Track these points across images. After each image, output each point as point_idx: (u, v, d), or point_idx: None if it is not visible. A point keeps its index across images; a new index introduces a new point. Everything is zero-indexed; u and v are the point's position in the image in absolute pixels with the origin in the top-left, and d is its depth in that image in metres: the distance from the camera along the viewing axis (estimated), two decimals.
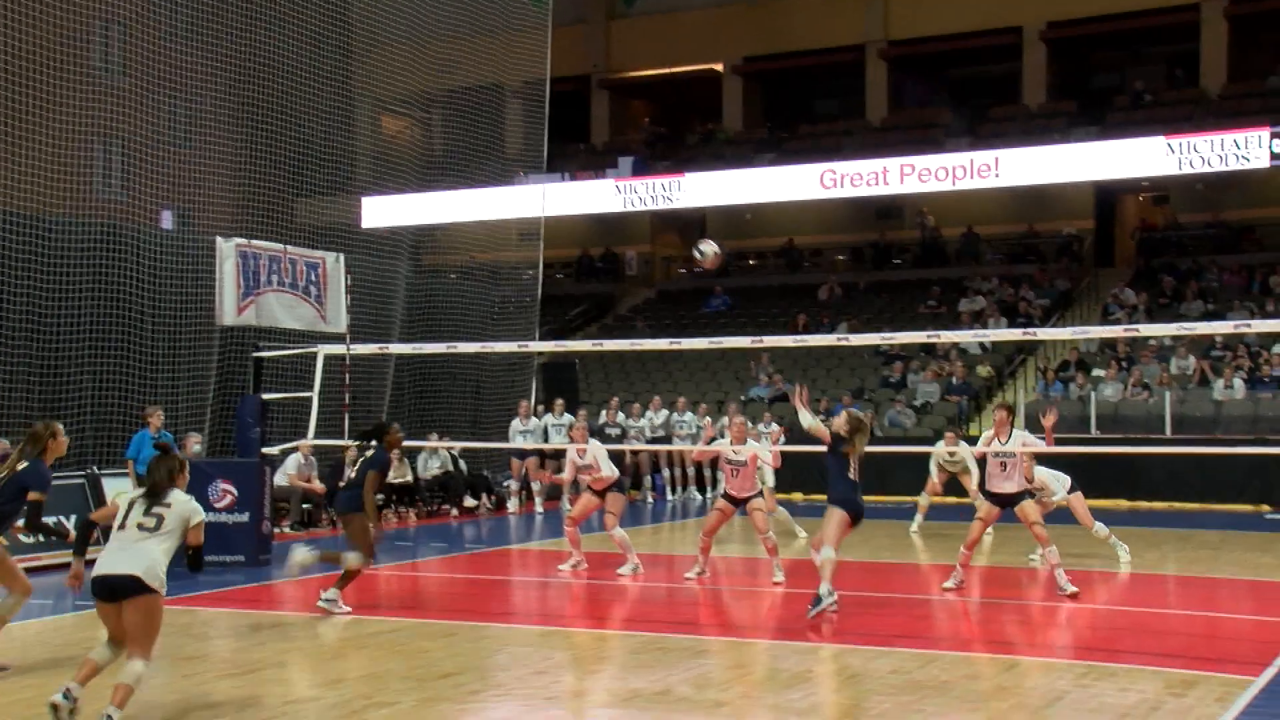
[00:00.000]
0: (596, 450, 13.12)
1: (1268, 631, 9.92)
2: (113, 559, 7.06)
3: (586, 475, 13.24)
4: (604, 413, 22.06)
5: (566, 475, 13.74)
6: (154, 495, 7.21)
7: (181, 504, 7.26)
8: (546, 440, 19.76)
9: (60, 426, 8.87)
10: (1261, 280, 26.02)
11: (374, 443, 10.99)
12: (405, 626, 10.21)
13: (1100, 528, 13.28)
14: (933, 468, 16.44)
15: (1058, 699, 7.70)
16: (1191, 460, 18.66)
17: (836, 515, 10.37)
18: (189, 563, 7.33)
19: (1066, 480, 13.51)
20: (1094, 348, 24.49)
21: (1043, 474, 13.36)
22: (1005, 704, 7.61)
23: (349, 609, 10.54)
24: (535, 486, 20.12)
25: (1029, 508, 11.62)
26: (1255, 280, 26.22)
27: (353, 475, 11.01)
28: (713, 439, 13.74)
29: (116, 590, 6.98)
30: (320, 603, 10.58)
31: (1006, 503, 11.69)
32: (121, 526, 7.17)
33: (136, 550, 7.03)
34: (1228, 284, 26.58)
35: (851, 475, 10.41)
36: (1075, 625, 10.64)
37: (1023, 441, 11.80)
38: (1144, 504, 19.12)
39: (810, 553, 10.84)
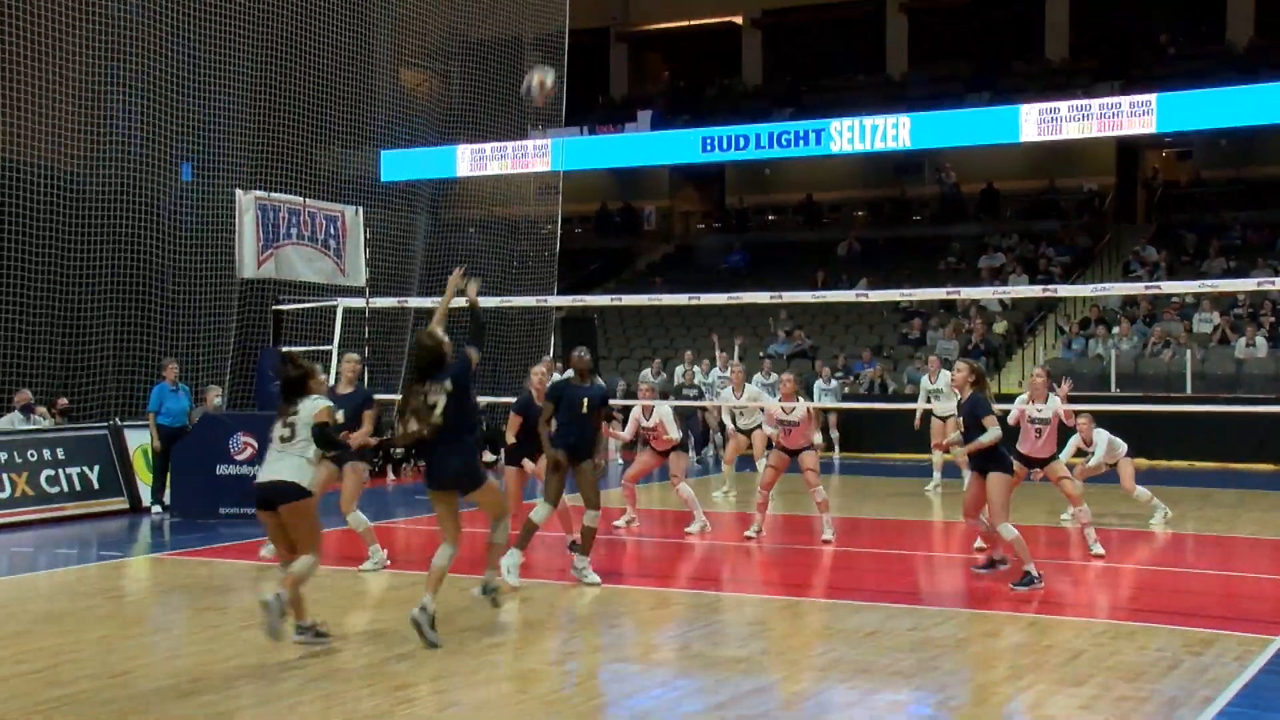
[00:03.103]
0: (663, 412, 12.98)
1: None
2: (264, 470, 7.82)
3: (648, 435, 13.09)
4: (680, 369, 21.82)
5: (627, 433, 13.62)
6: (286, 407, 7.81)
7: (307, 407, 7.77)
8: None
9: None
10: None
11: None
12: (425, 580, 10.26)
13: (1141, 492, 13.25)
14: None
15: (1075, 657, 7.72)
16: (1211, 419, 18.59)
17: (1000, 481, 9.97)
18: (317, 442, 7.86)
19: (1122, 446, 13.44)
20: (1115, 305, 24.37)
21: (1101, 439, 13.28)
22: (1022, 661, 7.63)
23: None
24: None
25: (1059, 468, 11.60)
26: (1279, 238, 26.01)
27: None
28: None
29: (270, 499, 7.70)
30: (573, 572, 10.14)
31: (1036, 464, 11.66)
32: (269, 440, 7.88)
33: (279, 461, 7.70)
34: (1251, 241, 26.37)
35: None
36: (1095, 584, 10.66)
37: (1055, 410, 11.72)
38: (1163, 463, 19.07)
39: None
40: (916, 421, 16.90)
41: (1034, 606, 9.28)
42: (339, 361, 14.11)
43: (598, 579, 10.00)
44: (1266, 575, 11.00)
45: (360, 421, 9.96)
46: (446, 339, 8.03)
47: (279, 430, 7.77)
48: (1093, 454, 13.31)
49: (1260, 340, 21.67)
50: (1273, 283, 14.44)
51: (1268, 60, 27.65)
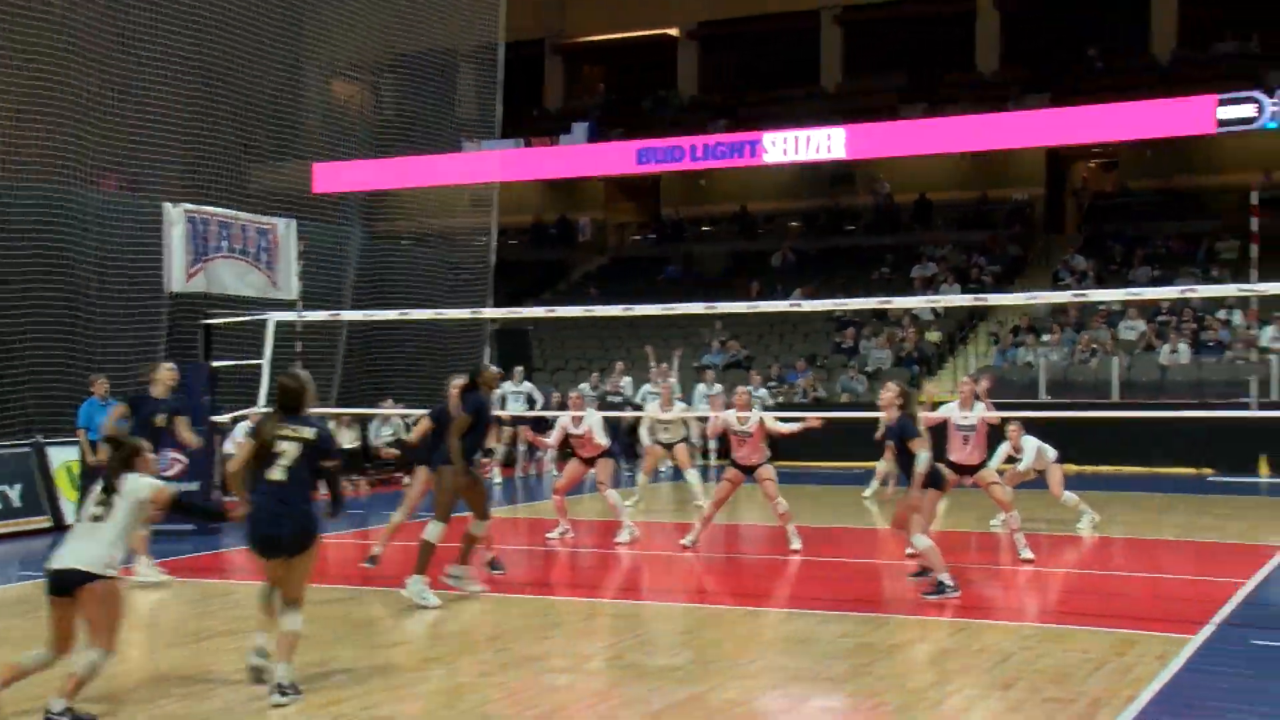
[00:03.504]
0: (593, 420, 13.00)
1: (1207, 591, 10.12)
2: (61, 552, 6.69)
3: (577, 443, 13.12)
4: (607, 380, 21.91)
5: (553, 440, 13.73)
6: (107, 486, 6.81)
7: (131, 486, 6.81)
8: (503, 407, 19.69)
9: None
10: (1207, 247, 26.36)
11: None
12: (356, 595, 10.20)
13: (1069, 497, 13.47)
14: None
15: (1004, 659, 7.82)
16: (1137, 424, 18.93)
17: (932, 495, 10.10)
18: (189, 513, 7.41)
19: (1052, 452, 13.65)
20: (1045, 313, 24.74)
21: (1029, 446, 13.48)
22: (953, 665, 7.72)
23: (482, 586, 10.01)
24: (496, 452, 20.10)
25: (988, 474, 11.75)
26: (1201, 247, 26.56)
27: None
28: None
29: (67, 583, 6.58)
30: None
31: (966, 472, 11.81)
32: (79, 518, 6.88)
33: (82, 542, 6.67)
34: (1174, 250, 26.90)
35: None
36: (1025, 588, 10.82)
37: (981, 416, 11.89)
38: (1091, 468, 19.37)
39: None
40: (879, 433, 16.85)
41: (965, 611, 9.38)
42: (270, 376, 14.01)
43: (483, 587, 9.96)
44: (1188, 576, 11.22)
45: (174, 424, 10.77)
46: (311, 382, 7.45)
47: (91, 509, 6.74)
48: (1021, 460, 13.50)
49: (1183, 347, 22.09)
50: (1194, 290, 14.73)
51: (1190, 73, 28.23)
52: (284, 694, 6.91)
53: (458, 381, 10.46)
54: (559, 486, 13.33)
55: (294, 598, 7.13)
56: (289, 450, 7.07)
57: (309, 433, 7.16)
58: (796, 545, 12.11)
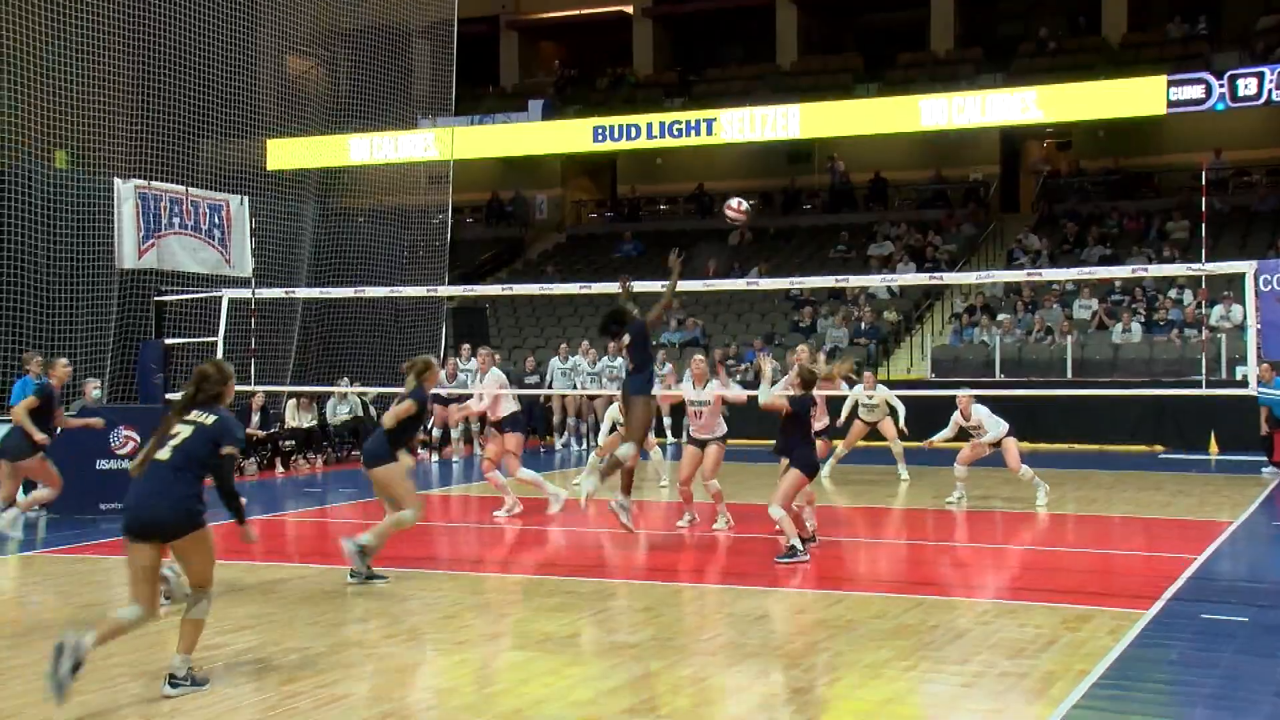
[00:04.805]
0: (491, 379, 13.19)
1: (1158, 566, 10.26)
2: None
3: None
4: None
5: (474, 407, 13.78)
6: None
7: None
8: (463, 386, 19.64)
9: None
10: (1159, 226, 26.64)
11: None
12: (313, 573, 10.14)
13: (1025, 470, 13.58)
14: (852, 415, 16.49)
15: (959, 636, 7.89)
16: (1091, 402, 19.13)
17: (794, 476, 10.53)
18: None
19: (1004, 425, 13.74)
20: (999, 292, 24.91)
21: (981, 415, 13.57)
22: (908, 641, 7.78)
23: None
24: (455, 432, 20.06)
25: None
26: (1153, 226, 26.83)
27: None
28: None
29: None
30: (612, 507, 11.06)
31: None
32: None
33: None
34: (1127, 229, 27.16)
35: (812, 432, 10.89)
36: (978, 565, 10.91)
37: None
38: (1045, 446, 19.56)
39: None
40: (841, 418, 16.76)
41: (922, 588, 9.46)
42: (223, 352, 13.88)
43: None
44: (1138, 552, 11.36)
45: None
46: (233, 373, 7.17)
47: None
48: (986, 431, 13.51)
49: (1135, 326, 22.33)
50: (1145, 270, 14.88)
51: (1140, 55, 28.48)
52: (174, 685, 6.66)
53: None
54: (487, 466, 13.34)
55: (198, 584, 6.79)
56: (182, 433, 6.76)
57: (210, 420, 6.82)
58: (721, 524, 12.23)
